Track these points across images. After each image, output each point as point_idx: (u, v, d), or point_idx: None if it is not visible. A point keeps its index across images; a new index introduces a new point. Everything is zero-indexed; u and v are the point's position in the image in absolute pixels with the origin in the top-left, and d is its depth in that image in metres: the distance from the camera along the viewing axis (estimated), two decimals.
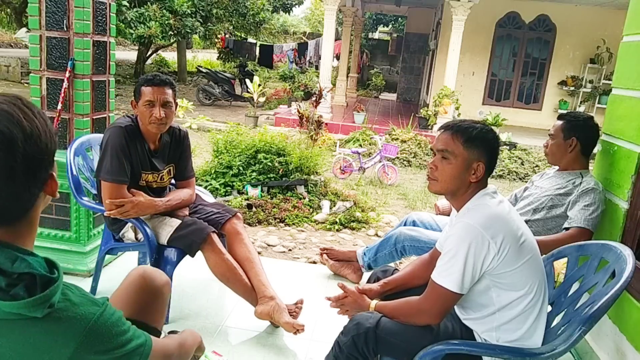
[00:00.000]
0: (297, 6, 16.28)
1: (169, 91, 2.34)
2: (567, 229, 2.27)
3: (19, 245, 0.95)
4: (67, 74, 2.70)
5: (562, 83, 12.06)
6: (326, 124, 8.80)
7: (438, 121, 9.56)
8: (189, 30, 12.05)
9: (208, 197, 2.88)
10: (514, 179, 7.70)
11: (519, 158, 8.17)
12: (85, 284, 2.63)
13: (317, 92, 8.07)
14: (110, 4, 2.87)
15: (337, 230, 4.41)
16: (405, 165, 7.96)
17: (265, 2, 13.91)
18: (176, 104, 2.45)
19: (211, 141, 5.27)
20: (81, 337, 0.92)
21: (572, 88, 11.94)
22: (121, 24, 10.65)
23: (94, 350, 0.94)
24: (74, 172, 2.46)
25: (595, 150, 2.47)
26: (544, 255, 1.85)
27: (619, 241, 2.13)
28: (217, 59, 19.61)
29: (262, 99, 10.19)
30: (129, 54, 21.36)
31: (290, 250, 3.89)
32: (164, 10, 11.45)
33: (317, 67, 17.55)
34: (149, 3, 11.46)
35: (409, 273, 1.93)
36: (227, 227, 2.52)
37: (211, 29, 13.41)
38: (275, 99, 13.83)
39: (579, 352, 2.35)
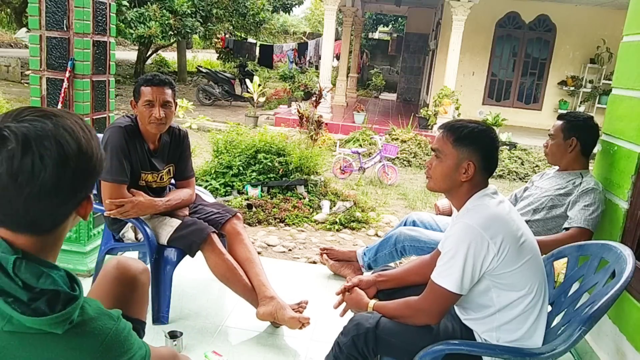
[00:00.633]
0: (297, 6, 16.29)
1: (169, 91, 2.34)
2: (567, 229, 2.27)
3: (43, 258, 0.95)
4: (67, 74, 2.70)
5: (562, 83, 12.07)
6: (326, 124, 8.80)
7: (438, 121, 9.56)
8: (189, 30, 12.04)
9: (208, 197, 2.88)
10: (514, 179, 7.70)
11: (519, 158, 8.17)
12: (85, 284, 2.62)
13: (317, 92, 8.07)
14: (110, 4, 2.87)
15: (337, 230, 4.41)
16: (405, 165, 7.96)
17: (265, 2, 13.91)
18: (176, 104, 2.45)
19: (211, 141, 5.27)
20: (98, 352, 0.93)
21: (572, 88, 11.94)
22: (121, 24, 10.65)
23: None
24: None
25: (595, 150, 2.47)
26: (544, 255, 1.85)
27: (619, 241, 2.13)
28: (217, 59, 19.62)
29: (262, 99, 10.19)
30: (129, 54, 21.36)
31: (290, 250, 3.89)
32: (164, 10, 11.45)
33: (317, 67, 17.55)
34: (149, 3, 11.45)
35: (407, 269, 1.94)
36: (227, 227, 2.52)
37: (211, 29, 13.41)
38: (275, 99, 13.83)
39: (579, 352, 2.35)
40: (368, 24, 22.34)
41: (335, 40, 13.32)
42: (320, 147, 6.21)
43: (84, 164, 0.93)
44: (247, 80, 10.68)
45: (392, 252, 2.79)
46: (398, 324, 1.64)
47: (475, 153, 1.61)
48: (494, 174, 1.73)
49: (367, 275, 1.95)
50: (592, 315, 1.49)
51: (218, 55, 18.73)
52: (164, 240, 2.37)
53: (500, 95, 12.56)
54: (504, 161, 7.92)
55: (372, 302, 1.77)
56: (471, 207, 1.62)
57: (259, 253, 3.32)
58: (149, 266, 2.35)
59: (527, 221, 2.25)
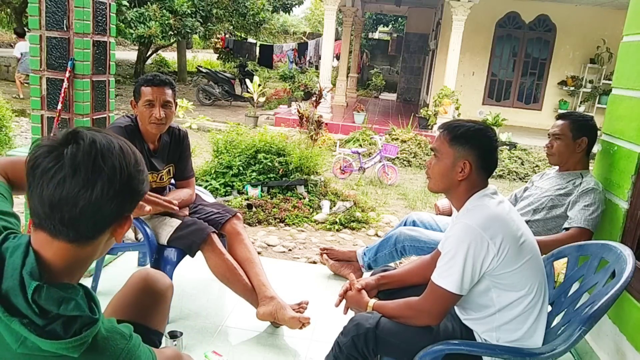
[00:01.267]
0: (297, 6, 16.26)
1: (169, 91, 2.34)
2: (567, 229, 2.27)
3: (68, 275, 0.96)
4: (67, 74, 2.70)
5: (562, 83, 12.07)
6: (326, 124, 8.80)
7: (438, 121, 9.56)
8: (189, 30, 12.04)
9: (208, 197, 2.88)
10: (514, 179, 7.70)
11: (519, 158, 8.17)
12: (85, 284, 2.62)
13: (317, 92, 8.08)
14: (110, 4, 2.87)
15: (337, 230, 4.41)
16: (405, 165, 7.96)
17: (265, 2, 13.90)
18: (176, 104, 2.45)
19: (211, 141, 5.27)
20: None
21: (572, 88, 11.94)
22: (121, 24, 10.65)
23: None
24: None
25: (595, 150, 2.47)
26: (544, 256, 1.85)
27: (619, 241, 2.13)
28: (217, 59, 19.61)
29: (262, 99, 10.19)
30: (129, 54, 21.35)
31: (290, 250, 3.89)
32: (164, 10, 11.45)
33: (317, 67, 17.55)
34: (149, 3, 11.45)
35: (407, 271, 1.94)
36: (227, 227, 2.52)
37: (211, 29, 13.40)
38: (275, 99, 13.82)
39: (579, 352, 2.35)
40: (368, 24, 22.34)
41: (335, 40, 13.32)
42: (320, 147, 6.21)
43: (135, 175, 0.97)
44: (247, 80, 10.68)
45: (392, 252, 2.79)
46: (398, 324, 1.64)
47: (471, 152, 1.61)
48: (494, 174, 1.73)
49: (369, 278, 1.95)
50: (592, 315, 1.49)
51: (218, 55, 18.72)
52: (164, 240, 2.37)
53: (500, 95, 12.56)
54: (503, 161, 7.92)
55: (372, 302, 1.77)
56: (471, 207, 1.62)
57: (259, 253, 3.32)
58: (148, 265, 2.35)
59: (527, 221, 2.25)
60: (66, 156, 0.89)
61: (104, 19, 2.83)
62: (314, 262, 3.63)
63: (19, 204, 3.61)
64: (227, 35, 17.82)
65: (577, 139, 2.37)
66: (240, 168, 4.91)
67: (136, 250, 2.65)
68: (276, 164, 4.91)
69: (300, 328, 2.28)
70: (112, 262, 2.99)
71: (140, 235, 2.44)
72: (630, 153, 2.16)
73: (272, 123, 9.79)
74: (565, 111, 2.80)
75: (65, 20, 2.67)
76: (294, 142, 5.48)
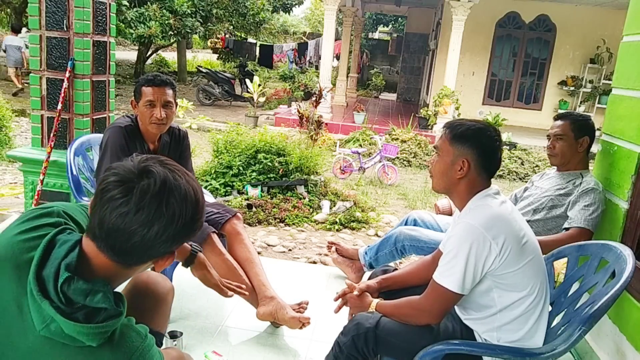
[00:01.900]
0: (297, 6, 16.26)
1: (170, 91, 2.34)
2: (567, 229, 2.27)
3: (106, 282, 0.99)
4: (67, 74, 2.70)
5: (562, 83, 12.07)
6: (326, 124, 8.80)
7: (438, 121, 9.57)
8: (189, 30, 12.04)
9: (208, 197, 2.88)
10: (514, 179, 7.70)
11: (519, 158, 8.17)
12: None
13: (317, 92, 8.07)
14: (110, 4, 2.87)
15: (337, 230, 4.41)
16: (405, 165, 7.96)
17: (265, 2, 13.90)
18: (176, 104, 2.45)
19: (211, 141, 5.27)
20: None
21: (572, 88, 11.95)
22: (121, 24, 10.65)
23: None
24: (74, 172, 2.46)
25: (594, 150, 2.47)
26: (544, 256, 1.85)
27: (619, 241, 2.13)
28: (217, 59, 19.61)
29: (262, 99, 10.19)
30: (129, 54, 21.35)
31: (290, 250, 3.89)
32: (164, 10, 11.45)
33: (317, 67, 17.55)
34: (149, 3, 11.45)
35: (408, 272, 1.94)
36: (227, 227, 2.52)
37: (211, 29, 13.40)
38: (275, 99, 13.83)
39: (579, 352, 2.35)
40: (368, 24, 22.34)
41: (335, 40, 13.32)
42: (320, 147, 6.21)
43: (190, 225, 1.02)
44: (247, 80, 10.68)
45: (392, 251, 2.79)
46: (398, 324, 1.65)
47: (471, 151, 1.61)
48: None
49: (370, 281, 1.95)
50: (592, 315, 1.49)
51: (218, 55, 18.72)
52: None
53: (500, 95, 12.56)
54: (504, 161, 7.92)
55: (375, 302, 1.77)
56: (473, 207, 1.62)
57: (259, 253, 3.32)
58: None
59: (527, 221, 2.25)
60: (135, 193, 0.94)
61: (104, 19, 2.83)
62: (314, 262, 3.63)
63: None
64: (227, 35, 17.83)
65: (578, 139, 2.37)
66: (240, 168, 4.91)
67: None
68: (276, 164, 4.91)
69: (300, 328, 2.28)
70: None
71: None
72: (630, 153, 2.16)
73: (272, 123, 9.79)
74: (564, 111, 2.80)
75: (65, 20, 2.68)
76: (294, 142, 5.48)
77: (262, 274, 2.42)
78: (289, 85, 13.76)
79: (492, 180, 1.69)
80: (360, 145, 7.99)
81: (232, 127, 5.58)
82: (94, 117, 2.89)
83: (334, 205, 4.77)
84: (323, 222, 4.49)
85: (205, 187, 4.61)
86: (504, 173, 7.75)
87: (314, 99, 7.85)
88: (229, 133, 5.31)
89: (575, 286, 1.82)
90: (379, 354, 1.67)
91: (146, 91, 2.30)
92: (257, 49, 19.29)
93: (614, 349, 2.12)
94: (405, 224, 2.91)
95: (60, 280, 0.92)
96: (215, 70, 14.63)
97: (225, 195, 4.76)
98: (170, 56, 21.55)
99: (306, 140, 6.21)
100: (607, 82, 11.22)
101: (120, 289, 1.47)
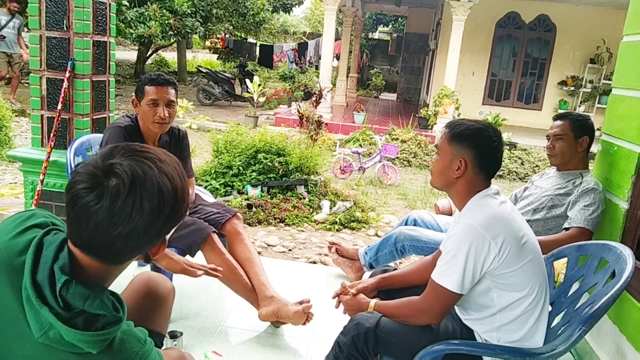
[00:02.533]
0: (297, 6, 16.26)
1: (172, 91, 2.34)
2: (567, 229, 2.27)
3: (99, 281, 0.98)
4: (67, 74, 2.70)
5: (562, 83, 12.06)
6: (326, 124, 8.80)
7: (438, 121, 9.56)
8: (189, 30, 12.03)
9: (208, 197, 2.88)
10: (514, 179, 7.70)
11: (519, 158, 8.17)
12: None
13: (317, 92, 8.08)
14: (110, 4, 2.87)
15: (337, 230, 4.41)
16: (405, 165, 7.96)
17: (265, 2, 13.90)
18: (176, 104, 2.45)
19: (211, 141, 5.27)
20: None
21: (572, 88, 11.94)
22: (121, 24, 10.64)
23: None
24: None
25: (594, 150, 2.47)
26: (543, 256, 1.85)
27: (619, 241, 2.13)
28: (217, 59, 19.60)
29: (262, 99, 10.19)
30: (129, 54, 21.34)
31: (290, 250, 3.89)
32: (164, 10, 11.44)
33: (317, 67, 17.55)
34: (149, 3, 11.44)
35: (408, 271, 1.94)
36: (227, 227, 2.52)
37: (211, 29, 13.39)
38: (275, 99, 13.82)
39: (579, 352, 2.35)
40: (368, 24, 22.34)
41: (335, 40, 13.32)
42: (320, 147, 6.21)
43: (175, 212, 0.97)
44: (247, 80, 10.68)
45: (392, 251, 2.79)
46: (398, 324, 1.65)
47: (469, 151, 1.61)
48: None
49: (368, 280, 1.95)
50: (592, 315, 1.49)
51: (218, 55, 18.72)
52: None
53: (500, 95, 12.56)
54: (503, 161, 7.91)
55: (373, 302, 1.77)
56: (473, 207, 1.62)
57: (259, 253, 3.32)
58: (148, 267, 2.35)
59: (527, 221, 2.25)
60: (106, 198, 0.89)
61: (104, 19, 2.83)
62: (314, 262, 3.63)
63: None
64: (227, 35, 17.83)
65: (578, 139, 2.37)
66: (240, 168, 4.91)
67: None
68: (276, 164, 4.91)
69: (304, 324, 2.28)
70: None
71: None
72: (630, 153, 2.16)
73: (272, 123, 9.78)
74: (563, 111, 2.80)
75: (65, 20, 2.68)
76: (294, 142, 5.48)
77: (263, 274, 2.43)
78: (289, 85, 13.76)
79: (492, 180, 1.69)
80: (360, 145, 7.99)
81: (232, 127, 5.58)
82: (94, 117, 2.89)
83: (334, 205, 4.77)
84: (323, 222, 4.49)
85: (205, 187, 4.61)
86: (504, 173, 7.74)
87: (314, 99, 7.85)
88: (229, 133, 5.31)
89: (575, 286, 1.82)
90: (379, 354, 1.67)
91: (149, 90, 2.30)
92: (257, 49, 19.29)
93: (614, 349, 2.12)
94: (405, 224, 2.91)
95: (58, 285, 0.90)
96: (215, 70, 14.62)
97: (225, 195, 4.76)
98: (170, 56, 21.54)
99: (306, 140, 6.21)
100: (607, 82, 11.21)
101: (120, 290, 1.47)
